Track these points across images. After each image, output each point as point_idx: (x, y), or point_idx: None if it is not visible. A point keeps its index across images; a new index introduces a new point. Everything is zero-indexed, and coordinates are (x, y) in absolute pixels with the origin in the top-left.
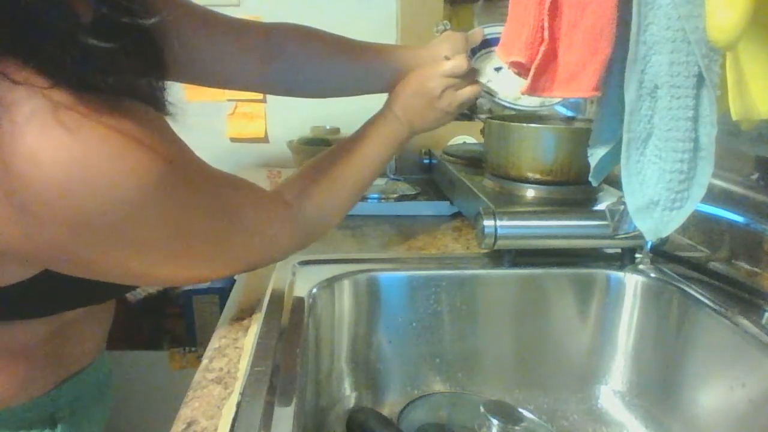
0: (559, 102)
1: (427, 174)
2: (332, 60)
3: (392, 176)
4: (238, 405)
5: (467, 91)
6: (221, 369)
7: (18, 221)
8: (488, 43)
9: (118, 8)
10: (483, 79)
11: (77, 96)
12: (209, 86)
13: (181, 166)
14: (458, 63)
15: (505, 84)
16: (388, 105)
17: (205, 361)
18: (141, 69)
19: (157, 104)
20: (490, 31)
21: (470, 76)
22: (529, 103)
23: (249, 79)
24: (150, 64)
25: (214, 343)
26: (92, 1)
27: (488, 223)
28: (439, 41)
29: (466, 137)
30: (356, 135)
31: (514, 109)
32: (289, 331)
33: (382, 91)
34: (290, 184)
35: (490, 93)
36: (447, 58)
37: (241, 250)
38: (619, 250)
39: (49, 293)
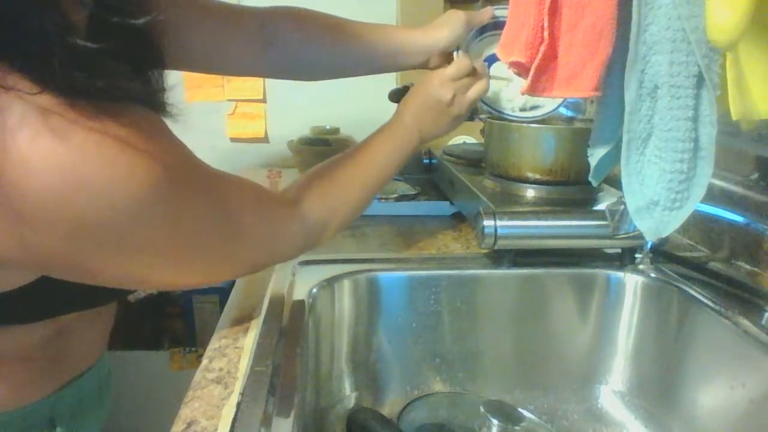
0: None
1: (427, 174)
2: (326, 42)
3: None
4: (238, 405)
5: (475, 90)
6: (221, 369)
7: (14, 229)
8: (498, 26)
9: (108, 8)
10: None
11: (68, 101)
12: (208, 73)
13: (180, 168)
14: (460, 65)
15: (503, 71)
16: (398, 114)
17: (205, 361)
18: (134, 70)
19: (156, 106)
20: (502, 13)
21: (476, 72)
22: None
23: (247, 66)
24: (146, 61)
25: (214, 344)
26: (81, 0)
27: (488, 223)
28: (436, 24)
29: (466, 137)
30: (365, 142)
31: (516, 119)
32: (289, 331)
33: (377, 72)
34: (296, 187)
35: (505, 79)
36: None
37: (244, 252)
38: (619, 250)
39: (48, 297)
